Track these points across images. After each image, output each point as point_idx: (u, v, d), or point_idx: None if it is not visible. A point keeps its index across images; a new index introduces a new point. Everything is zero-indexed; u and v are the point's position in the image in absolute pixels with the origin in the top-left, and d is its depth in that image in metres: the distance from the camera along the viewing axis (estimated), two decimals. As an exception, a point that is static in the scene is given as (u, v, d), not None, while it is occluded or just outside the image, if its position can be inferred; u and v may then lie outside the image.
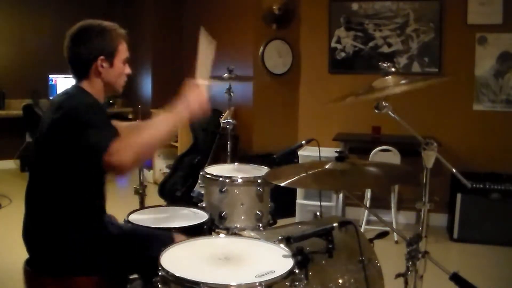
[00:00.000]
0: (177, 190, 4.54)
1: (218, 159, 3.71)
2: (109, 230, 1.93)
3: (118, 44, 1.91)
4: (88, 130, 1.64)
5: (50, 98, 6.31)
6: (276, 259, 1.62)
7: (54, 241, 1.77)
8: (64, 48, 1.92)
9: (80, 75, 1.89)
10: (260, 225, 2.54)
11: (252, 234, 2.03)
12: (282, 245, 1.71)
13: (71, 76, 1.93)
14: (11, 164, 6.43)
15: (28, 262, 1.84)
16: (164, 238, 1.92)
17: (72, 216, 1.80)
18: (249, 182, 2.55)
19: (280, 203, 2.72)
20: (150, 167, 5.97)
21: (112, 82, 1.92)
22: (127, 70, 1.97)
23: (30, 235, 1.84)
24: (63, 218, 1.79)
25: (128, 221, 2.22)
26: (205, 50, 2.03)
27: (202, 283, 1.42)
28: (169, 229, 2.16)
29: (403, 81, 1.81)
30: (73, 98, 1.82)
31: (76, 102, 1.78)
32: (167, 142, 1.96)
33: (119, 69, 1.92)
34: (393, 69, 1.84)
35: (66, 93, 1.88)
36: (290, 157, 4.14)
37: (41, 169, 1.83)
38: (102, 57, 1.86)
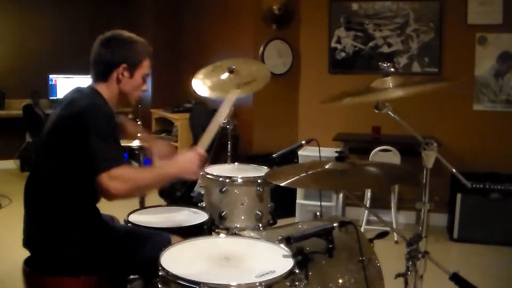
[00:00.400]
0: (177, 190, 4.54)
1: (218, 159, 3.70)
2: (109, 230, 1.93)
3: (143, 59, 1.95)
4: (98, 139, 1.69)
5: (50, 98, 6.31)
6: (276, 259, 1.62)
7: (54, 240, 1.77)
8: (92, 51, 1.94)
9: (99, 77, 1.92)
10: (260, 225, 2.54)
11: (252, 234, 2.02)
12: (282, 245, 1.71)
13: (89, 76, 1.95)
14: (11, 164, 6.43)
15: (27, 262, 1.84)
16: (162, 239, 1.93)
17: (72, 216, 1.80)
18: (249, 182, 2.54)
19: (280, 203, 2.72)
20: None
21: (128, 92, 1.96)
22: (144, 87, 2.02)
23: (30, 235, 1.84)
24: (63, 217, 1.79)
25: (128, 221, 2.22)
26: (221, 115, 2.21)
27: (202, 283, 1.42)
28: (169, 229, 2.16)
29: (400, 90, 1.80)
30: (89, 98, 1.84)
31: (92, 103, 1.81)
32: (156, 188, 2.26)
33: (137, 82, 1.96)
34: (392, 69, 1.84)
35: (80, 91, 1.90)
36: (290, 157, 4.14)
37: (42, 167, 1.83)
38: (125, 65, 1.90)
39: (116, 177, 1.65)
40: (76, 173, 1.77)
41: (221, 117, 2.17)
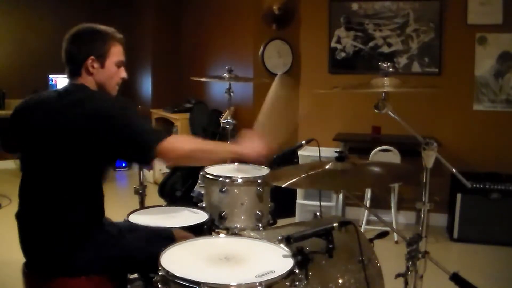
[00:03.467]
0: (177, 190, 4.55)
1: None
2: (108, 230, 1.92)
3: (110, 46, 1.93)
4: (135, 122, 1.77)
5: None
6: (276, 259, 1.62)
7: (53, 241, 1.77)
8: (62, 50, 1.95)
9: (73, 74, 1.93)
10: (260, 225, 2.54)
11: (252, 234, 2.03)
12: (282, 245, 1.71)
13: (65, 76, 1.96)
14: (11, 164, 6.43)
15: (26, 265, 1.84)
16: (164, 234, 1.93)
17: (72, 217, 1.79)
18: (249, 182, 2.54)
19: (280, 203, 2.72)
20: (150, 167, 5.97)
21: (103, 82, 1.93)
22: (122, 74, 1.99)
23: (27, 236, 1.83)
24: (62, 218, 1.78)
25: (128, 221, 2.23)
26: (277, 99, 2.23)
27: (202, 283, 1.42)
28: (169, 229, 2.16)
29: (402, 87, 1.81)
30: (95, 96, 1.86)
31: (102, 100, 1.85)
32: (214, 162, 2.27)
33: (110, 71, 1.94)
34: (392, 69, 1.84)
35: (68, 90, 1.90)
36: (290, 157, 4.14)
37: (41, 167, 1.82)
38: (92, 57, 1.89)
39: (180, 139, 1.74)
40: (76, 174, 1.77)
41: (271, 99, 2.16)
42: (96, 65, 1.89)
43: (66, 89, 1.92)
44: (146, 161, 1.86)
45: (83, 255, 1.77)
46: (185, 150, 1.80)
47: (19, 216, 1.85)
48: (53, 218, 1.78)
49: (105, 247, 1.83)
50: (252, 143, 2.01)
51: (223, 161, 2.46)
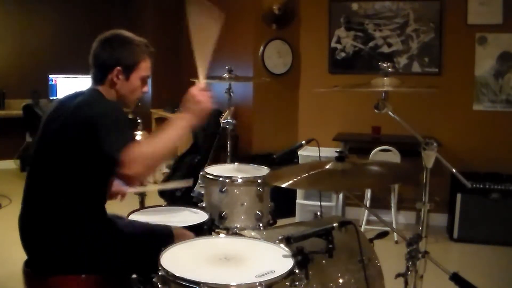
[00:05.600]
0: (177, 190, 4.54)
1: (218, 159, 3.70)
2: (111, 228, 1.92)
3: (140, 60, 1.88)
4: (112, 133, 1.65)
5: (50, 98, 6.31)
6: (276, 259, 1.62)
7: (55, 240, 1.77)
8: (91, 51, 1.90)
9: (97, 80, 1.88)
10: (260, 225, 2.54)
11: (252, 234, 2.03)
12: (282, 245, 1.71)
13: (89, 77, 1.91)
14: (11, 164, 6.43)
15: (27, 263, 1.84)
16: (164, 232, 1.92)
17: (73, 216, 1.79)
18: (249, 182, 2.55)
19: (280, 203, 2.72)
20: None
21: (124, 96, 1.89)
22: (145, 88, 1.95)
23: (29, 234, 1.83)
24: (64, 217, 1.78)
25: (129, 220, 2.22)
26: (204, 30, 1.87)
27: (202, 283, 1.42)
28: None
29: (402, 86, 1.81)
30: (98, 102, 1.80)
31: (99, 107, 1.76)
32: (175, 146, 2.00)
33: (134, 85, 1.89)
34: (392, 69, 1.84)
35: (84, 94, 1.85)
36: (290, 157, 4.14)
37: (44, 168, 1.82)
38: (119, 68, 1.84)
39: (128, 162, 1.57)
40: (80, 174, 1.77)
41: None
42: (121, 76, 1.85)
43: (79, 93, 1.87)
44: (118, 175, 1.65)
45: (85, 253, 1.77)
46: (140, 174, 1.62)
47: (21, 217, 1.85)
48: (55, 217, 1.78)
49: (107, 245, 1.83)
50: (191, 104, 1.80)
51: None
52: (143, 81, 1.92)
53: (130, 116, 6.82)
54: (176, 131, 1.76)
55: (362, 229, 4.08)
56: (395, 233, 3.77)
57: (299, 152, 4.27)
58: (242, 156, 4.31)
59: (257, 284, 1.44)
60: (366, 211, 4.26)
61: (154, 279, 1.55)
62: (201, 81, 1.86)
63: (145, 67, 1.90)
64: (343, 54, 4.85)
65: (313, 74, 4.98)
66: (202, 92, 1.82)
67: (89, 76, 1.92)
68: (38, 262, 1.80)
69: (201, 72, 1.88)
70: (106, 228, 1.90)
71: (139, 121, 3.31)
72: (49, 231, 1.78)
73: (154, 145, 1.68)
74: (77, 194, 1.80)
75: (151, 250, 1.68)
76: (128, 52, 1.86)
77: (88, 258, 1.78)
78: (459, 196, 4.14)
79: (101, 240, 1.83)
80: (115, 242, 1.87)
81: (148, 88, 1.96)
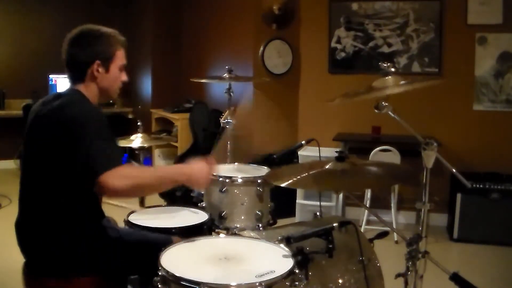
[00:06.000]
0: (177, 190, 4.54)
1: (218, 159, 3.70)
2: (108, 232, 1.92)
3: (115, 50, 1.91)
4: (98, 141, 1.67)
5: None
6: (276, 259, 1.62)
7: (52, 242, 1.77)
8: (62, 50, 1.92)
9: (76, 79, 1.89)
10: (260, 225, 2.54)
11: (252, 234, 2.03)
12: (282, 245, 1.71)
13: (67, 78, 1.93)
14: (11, 164, 6.43)
15: (27, 265, 1.83)
16: (163, 241, 1.92)
17: (71, 217, 1.79)
18: (249, 182, 2.54)
19: (280, 203, 2.72)
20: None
21: (106, 87, 1.92)
22: (124, 77, 1.98)
23: (26, 237, 1.83)
24: (61, 219, 1.78)
25: (128, 221, 2.22)
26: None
27: (202, 283, 1.42)
28: (169, 229, 2.16)
29: (402, 82, 1.81)
30: (78, 103, 1.81)
31: (83, 108, 1.78)
32: (160, 191, 2.09)
33: (114, 75, 1.92)
34: (392, 69, 1.84)
35: (63, 95, 1.85)
36: (290, 157, 4.14)
37: (35, 170, 1.81)
38: (98, 61, 1.86)
39: (117, 175, 1.62)
40: (73, 177, 1.75)
41: None
42: (101, 69, 1.87)
43: (59, 94, 1.88)
44: (95, 183, 1.64)
45: (84, 255, 1.77)
46: (118, 189, 1.62)
47: (18, 220, 1.85)
48: (54, 218, 1.78)
49: (106, 248, 1.83)
50: (197, 167, 1.91)
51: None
52: (121, 70, 1.96)
53: (130, 116, 6.82)
54: (169, 175, 1.86)
55: (362, 229, 4.09)
56: (395, 233, 3.77)
57: (299, 152, 4.27)
58: (242, 156, 4.31)
59: (257, 284, 1.44)
60: (366, 211, 4.26)
61: (154, 279, 1.55)
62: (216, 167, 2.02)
63: (121, 56, 1.94)
64: (343, 54, 4.85)
65: (313, 74, 4.98)
66: (209, 173, 1.95)
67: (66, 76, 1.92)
68: (36, 264, 1.80)
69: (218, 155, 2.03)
70: (105, 231, 1.90)
71: (139, 123, 3.32)
72: (47, 233, 1.78)
73: (143, 171, 1.78)
74: (72, 194, 1.79)
75: (150, 251, 1.68)
76: (104, 45, 1.89)
77: (87, 259, 1.78)
78: (459, 196, 4.14)
79: (100, 240, 1.83)
80: (113, 242, 1.87)
81: (126, 76, 1.98)
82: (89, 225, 1.84)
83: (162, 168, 1.90)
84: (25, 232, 1.83)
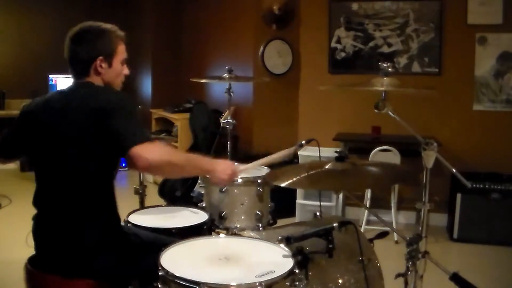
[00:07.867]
0: (177, 190, 4.54)
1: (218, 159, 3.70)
2: (125, 237, 1.93)
3: (117, 46, 1.95)
4: (132, 121, 1.75)
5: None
6: (276, 259, 1.63)
7: (68, 238, 1.77)
8: (64, 48, 1.95)
9: (80, 75, 1.92)
10: (260, 225, 2.54)
11: (252, 234, 2.03)
12: (282, 245, 1.71)
13: (70, 76, 1.94)
14: (11, 164, 6.43)
15: (31, 261, 1.83)
16: (163, 241, 1.92)
17: (89, 218, 1.80)
18: (249, 182, 2.55)
19: (280, 203, 2.72)
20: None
21: (110, 81, 1.95)
22: (126, 71, 2.01)
23: (42, 233, 1.83)
24: (80, 217, 1.79)
25: (128, 221, 2.23)
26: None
27: (202, 283, 1.42)
28: (169, 229, 2.16)
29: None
30: (106, 90, 1.89)
31: (114, 93, 1.89)
32: (186, 174, 2.15)
33: (117, 70, 1.96)
34: (392, 69, 1.84)
35: (74, 89, 1.89)
36: (290, 157, 4.14)
37: (52, 170, 1.82)
38: (101, 57, 1.89)
39: (151, 148, 1.68)
40: (104, 161, 1.79)
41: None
42: (104, 65, 1.91)
43: (71, 88, 1.91)
44: (125, 160, 1.74)
45: (93, 257, 1.77)
46: (152, 162, 1.67)
47: (36, 218, 1.86)
48: (70, 216, 1.79)
49: (115, 252, 1.82)
50: (224, 164, 1.94)
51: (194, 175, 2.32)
52: (123, 64, 2.00)
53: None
54: (198, 160, 1.90)
55: (362, 229, 4.09)
56: (395, 233, 3.77)
57: (299, 152, 4.27)
58: (242, 156, 4.32)
59: (257, 284, 1.44)
60: (366, 211, 4.26)
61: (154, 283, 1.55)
62: (243, 168, 2.07)
63: (122, 50, 1.98)
64: (343, 54, 4.85)
65: (313, 74, 4.98)
66: (232, 176, 1.96)
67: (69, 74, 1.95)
68: (46, 259, 1.80)
69: (251, 166, 2.11)
70: (122, 236, 1.91)
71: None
72: (64, 229, 1.78)
73: (175, 150, 1.80)
74: (93, 195, 1.80)
75: (150, 251, 1.68)
76: (105, 41, 1.92)
77: (95, 262, 1.77)
78: (459, 196, 4.14)
79: (115, 245, 1.83)
80: (124, 247, 1.87)
81: (128, 70, 2.03)
82: (107, 230, 1.84)
83: (191, 154, 1.95)
84: (41, 225, 1.84)
